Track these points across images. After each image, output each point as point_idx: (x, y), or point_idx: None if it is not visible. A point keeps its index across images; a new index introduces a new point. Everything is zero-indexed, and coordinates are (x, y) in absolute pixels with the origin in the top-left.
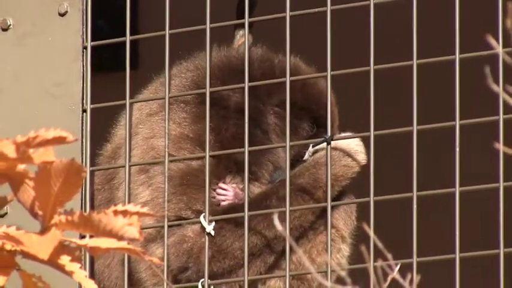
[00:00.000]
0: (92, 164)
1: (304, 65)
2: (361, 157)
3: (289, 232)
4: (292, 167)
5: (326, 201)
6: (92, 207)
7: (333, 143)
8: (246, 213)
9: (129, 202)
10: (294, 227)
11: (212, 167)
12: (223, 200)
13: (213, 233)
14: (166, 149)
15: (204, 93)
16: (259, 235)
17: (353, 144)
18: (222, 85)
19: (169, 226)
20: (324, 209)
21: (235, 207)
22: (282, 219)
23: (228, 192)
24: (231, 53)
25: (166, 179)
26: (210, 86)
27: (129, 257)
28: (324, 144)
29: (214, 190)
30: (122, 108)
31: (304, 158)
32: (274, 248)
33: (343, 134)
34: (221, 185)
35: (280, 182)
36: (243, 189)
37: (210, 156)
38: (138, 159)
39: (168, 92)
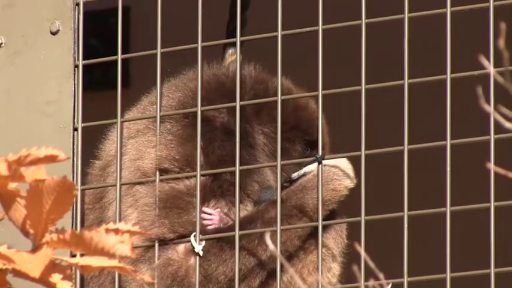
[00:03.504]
0: (83, 182)
1: (296, 88)
2: (350, 180)
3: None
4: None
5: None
6: (83, 227)
7: (320, 167)
8: (237, 233)
9: (119, 221)
10: (280, 251)
11: (199, 190)
12: (210, 224)
13: (201, 253)
14: (157, 169)
15: (193, 113)
16: (243, 259)
17: (341, 167)
18: (209, 105)
19: (159, 245)
20: (314, 229)
21: (222, 231)
22: (263, 243)
23: (213, 216)
24: (220, 72)
25: (157, 199)
26: (197, 106)
27: (119, 276)
28: (313, 167)
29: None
30: (112, 125)
31: (293, 176)
32: (260, 272)
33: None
34: (205, 209)
35: (265, 206)
36: (227, 214)
37: (201, 175)
38: (125, 180)
39: (160, 110)
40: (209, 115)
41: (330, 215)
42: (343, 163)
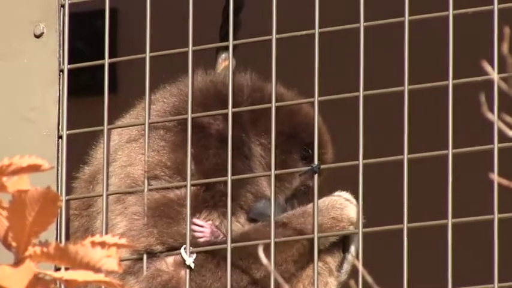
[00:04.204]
0: (68, 192)
1: (289, 92)
2: (352, 212)
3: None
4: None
5: (311, 249)
6: (68, 234)
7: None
8: (229, 245)
9: (106, 232)
10: (275, 270)
11: (189, 200)
12: (201, 237)
13: (193, 266)
14: (146, 178)
15: (185, 120)
16: (237, 276)
17: (343, 197)
18: (205, 112)
19: (148, 258)
20: (310, 247)
21: (214, 244)
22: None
23: (204, 229)
24: (217, 79)
25: (145, 208)
26: (192, 112)
27: None
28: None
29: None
30: (101, 131)
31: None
32: None
33: (334, 191)
34: (196, 221)
35: (262, 224)
36: (218, 227)
37: (191, 185)
38: (115, 187)
39: (148, 117)
40: (204, 122)
41: None
42: (344, 194)
